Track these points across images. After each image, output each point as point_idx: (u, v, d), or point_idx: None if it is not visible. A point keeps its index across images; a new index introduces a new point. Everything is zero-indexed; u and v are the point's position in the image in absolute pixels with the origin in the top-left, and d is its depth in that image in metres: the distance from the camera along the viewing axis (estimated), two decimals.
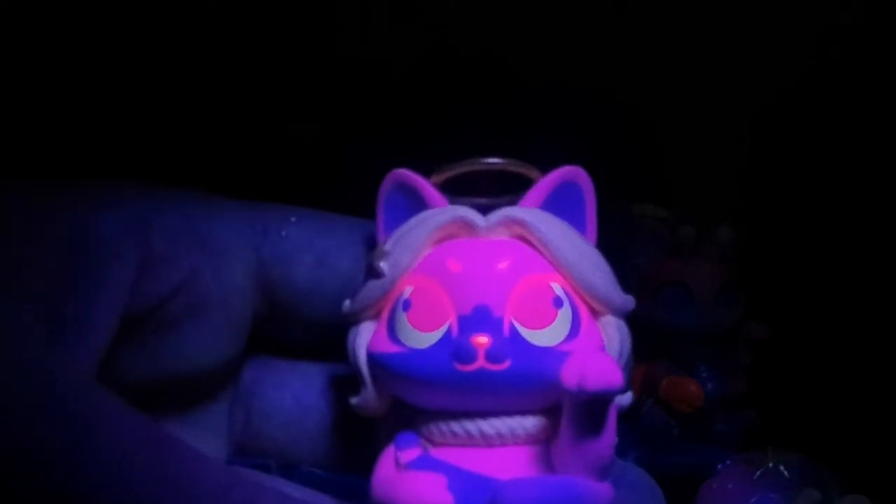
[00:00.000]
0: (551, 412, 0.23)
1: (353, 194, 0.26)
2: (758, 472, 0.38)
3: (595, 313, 0.25)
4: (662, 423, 0.46)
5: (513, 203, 0.25)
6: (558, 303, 0.24)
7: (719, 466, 0.41)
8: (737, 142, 0.50)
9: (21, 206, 0.23)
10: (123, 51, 0.40)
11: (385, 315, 0.25)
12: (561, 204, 0.26)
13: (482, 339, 0.23)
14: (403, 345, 0.24)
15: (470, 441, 0.24)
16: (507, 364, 0.23)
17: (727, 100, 0.48)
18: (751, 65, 0.48)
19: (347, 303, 0.25)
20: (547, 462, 0.23)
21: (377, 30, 0.45)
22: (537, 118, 0.47)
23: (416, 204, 0.26)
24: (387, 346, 0.24)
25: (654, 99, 0.49)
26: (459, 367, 0.23)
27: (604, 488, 0.23)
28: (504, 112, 0.46)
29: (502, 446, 0.24)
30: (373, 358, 0.24)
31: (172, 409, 0.26)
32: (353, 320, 0.25)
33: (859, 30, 0.47)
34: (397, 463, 0.24)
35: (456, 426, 0.24)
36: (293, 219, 0.26)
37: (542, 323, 0.23)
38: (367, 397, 0.25)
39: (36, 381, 0.20)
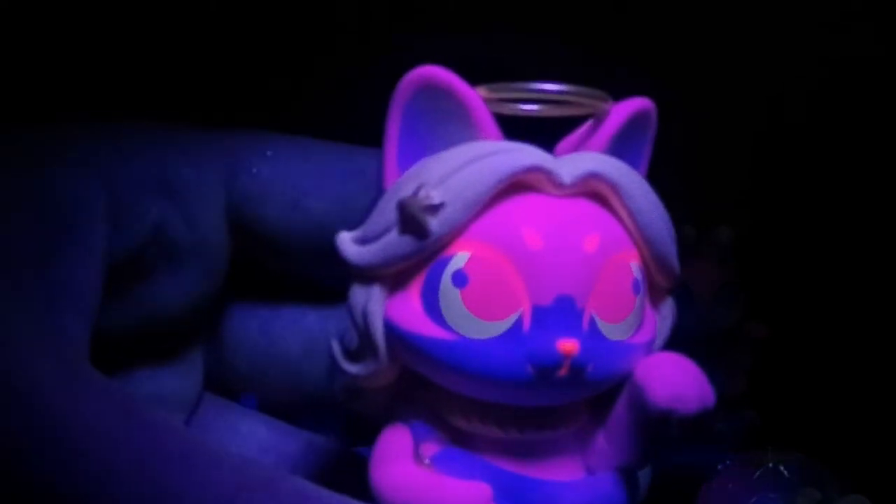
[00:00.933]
0: (592, 401, 0.21)
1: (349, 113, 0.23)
2: (758, 472, 0.38)
3: (654, 287, 0.22)
4: None
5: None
6: (636, 288, 0.21)
7: (719, 466, 0.41)
8: (737, 142, 0.50)
9: None
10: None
11: (419, 282, 0.19)
12: (625, 141, 0.22)
13: (569, 346, 0.19)
14: (454, 331, 0.19)
15: (508, 439, 0.20)
16: (588, 369, 0.19)
17: (727, 100, 0.48)
18: (751, 65, 0.48)
19: (355, 251, 0.20)
20: (578, 449, 0.21)
21: None
22: (539, 118, 0.47)
23: (456, 126, 0.20)
24: (429, 329, 0.19)
25: (654, 99, 0.49)
26: (535, 371, 0.19)
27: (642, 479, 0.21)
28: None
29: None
30: (406, 337, 0.19)
31: (151, 352, 0.25)
32: (362, 276, 0.20)
33: (859, 30, 0.47)
34: (418, 456, 0.20)
35: (498, 430, 0.20)
36: (269, 153, 0.24)
37: (621, 315, 0.20)
38: (374, 370, 0.20)
39: (24, 391, 0.19)
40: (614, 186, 0.20)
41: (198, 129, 0.24)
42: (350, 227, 0.20)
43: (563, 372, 0.19)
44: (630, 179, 0.21)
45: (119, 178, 0.22)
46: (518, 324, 0.19)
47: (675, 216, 0.48)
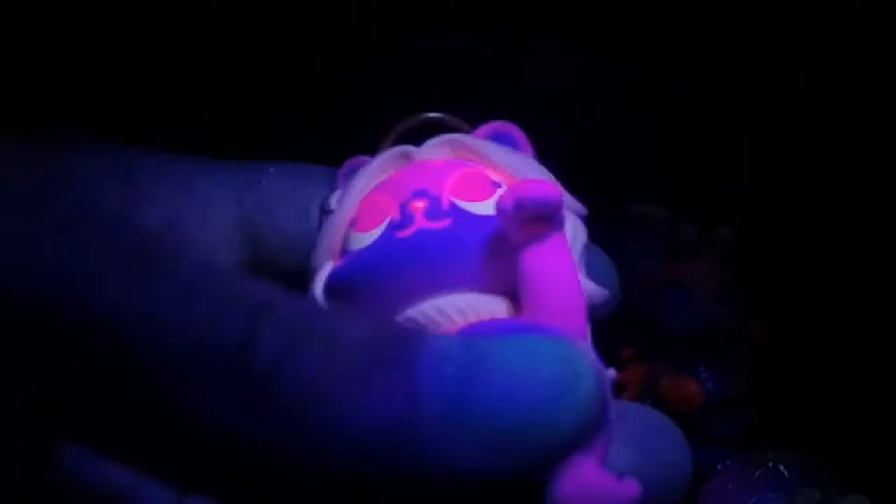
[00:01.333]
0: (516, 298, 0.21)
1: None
2: (758, 472, 0.38)
3: None
4: None
5: None
6: (497, 185, 0.23)
7: (719, 466, 0.41)
8: (737, 142, 0.50)
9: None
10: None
11: (340, 248, 0.23)
12: None
13: (419, 204, 0.22)
14: (350, 252, 0.23)
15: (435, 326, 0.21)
16: (447, 222, 0.21)
17: (727, 100, 0.48)
18: (751, 65, 0.48)
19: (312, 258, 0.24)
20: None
21: None
22: (539, 118, 0.47)
23: None
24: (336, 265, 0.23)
25: (655, 99, 0.49)
26: (400, 234, 0.21)
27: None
28: (504, 113, 0.46)
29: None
30: (328, 286, 0.23)
31: None
32: (314, 270, 0.23)
33: (860, 31, 0.47)
34: None
35: (414, 312, 0.21)
36: (271, 170, 0.26)
37: (481, 197, 0.22)
38: None
39: None
40: (461, 140, 0.24)
41: (205, 156, 0.26)
42: None
43: (419, 222, 0.22)
44: (482, 141, 0.24)
45: (135, 166, 0.24)
46: (390, 222, 0.22)
47: (675, 216, 0.48)
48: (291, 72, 0.44)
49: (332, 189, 0.25)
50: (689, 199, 0.50)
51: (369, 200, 0.23)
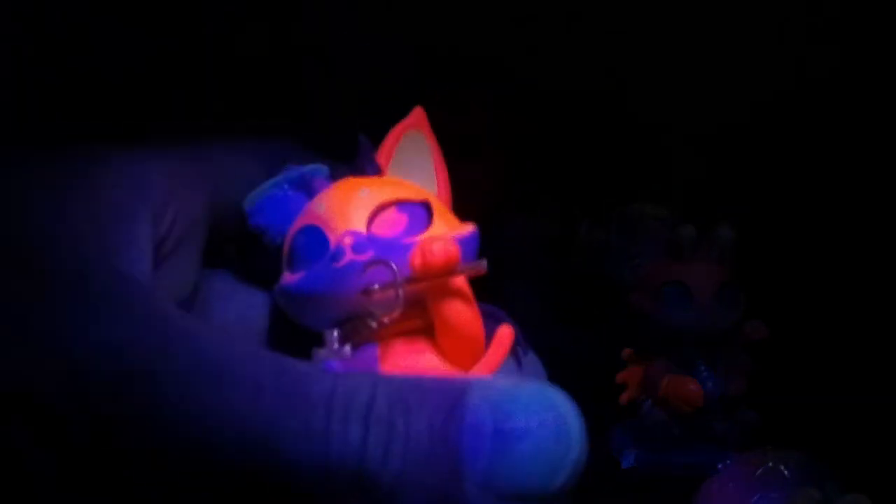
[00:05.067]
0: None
1: None
2: (758, 472, 0.38)
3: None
4: (662, 423, 0.46)
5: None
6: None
7: (719, 466, 0.41)
8: (737, 142, 0.50)
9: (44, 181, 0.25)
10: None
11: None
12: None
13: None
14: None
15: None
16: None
17: (727, 100, 0.48)
18: (751, 65, 0.48)
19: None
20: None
21: None
22: (540, 119, 0.47)
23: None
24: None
25: (655, 99, 0.49)
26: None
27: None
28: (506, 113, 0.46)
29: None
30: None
31: None
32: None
33: (858, 31, 0.47)
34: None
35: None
36: (224, 148, 0.30)
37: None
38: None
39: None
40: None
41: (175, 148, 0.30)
42: None
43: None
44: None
45: (152, 185, 0.27)
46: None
47: (675, 216, 0.48)
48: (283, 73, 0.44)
49: (277, 163, 0.30)
50: (689, 199, 0.50)
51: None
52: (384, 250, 0.27)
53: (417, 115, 0.30)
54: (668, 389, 0.46)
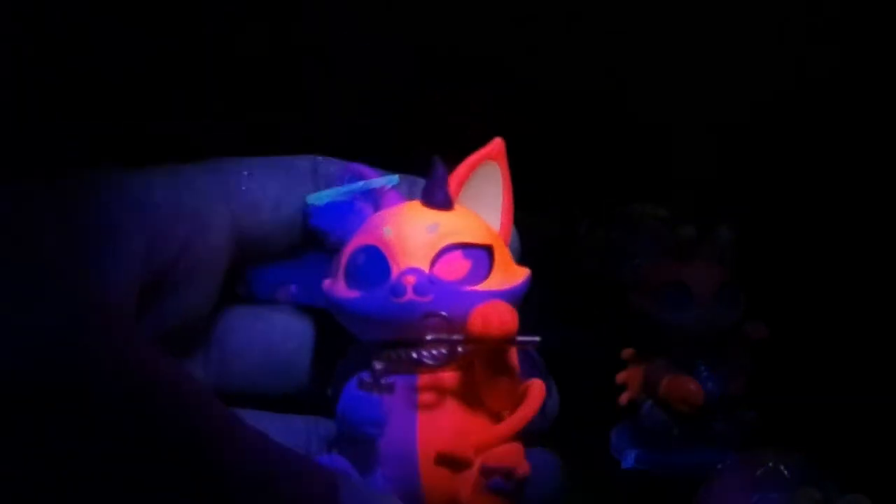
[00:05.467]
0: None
1: None
2: (758, 472, 0.38)
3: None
4: (662, 423, 0.46)
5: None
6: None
7: (719, 466, 0.41)
8: (737, 142, 0.50)
9: (32, 205, 0.25)
10: None
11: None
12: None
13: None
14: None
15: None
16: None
17: (727, 100, 0.48)
18: (751, 66, 0.48)
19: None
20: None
21: None
22: (540, 119, 0.47)
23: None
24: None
25: (655, 100, 0.49)
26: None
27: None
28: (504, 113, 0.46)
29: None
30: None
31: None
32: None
33: (857, 31, 0.47)
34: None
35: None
36: (246, 173, 0.30)
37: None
38: None
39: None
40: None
41: (190, 163, 0.29)
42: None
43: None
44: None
45: (151, 206, 0.27)
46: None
47: (675, 216, 0.48)
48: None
49: (302, 181, 0.30)
50: (689, 199, 0.50)
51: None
52: (444, 297, 0.28)
53: (497, 146, 0.30)
54: (668, 389, 0.46)
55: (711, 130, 0.50)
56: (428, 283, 0.28)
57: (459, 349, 0.28)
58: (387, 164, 0.31)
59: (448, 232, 0.29)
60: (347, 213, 0.30)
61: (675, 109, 0.49)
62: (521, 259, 0.31)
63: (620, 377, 0.48)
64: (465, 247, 0.29)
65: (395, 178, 0.31)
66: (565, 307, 0.51)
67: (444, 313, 0.28)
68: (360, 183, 0.30)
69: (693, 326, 0.46)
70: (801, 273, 0.49)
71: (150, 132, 0.41)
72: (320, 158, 0.31)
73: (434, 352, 0.28)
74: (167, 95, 0.42)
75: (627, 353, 0.48)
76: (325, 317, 0.30)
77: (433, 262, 0.29)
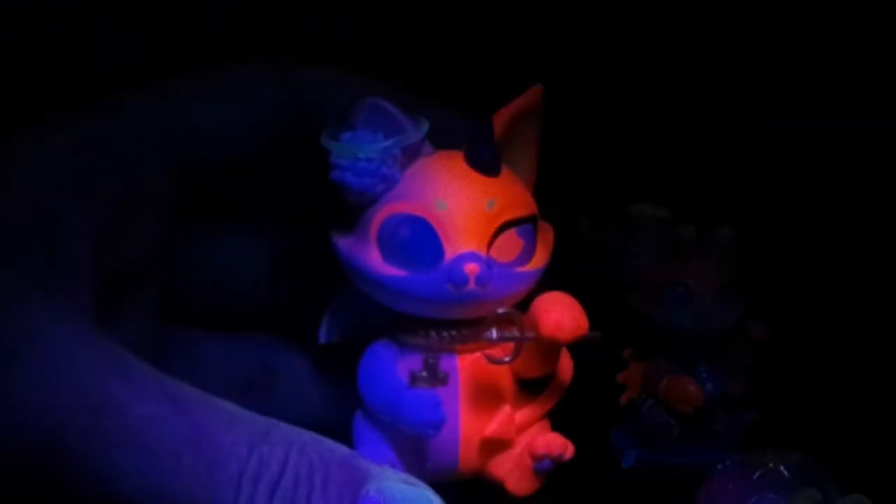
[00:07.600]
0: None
1: None
2: (758, 472, 0.38)
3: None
4: (662, 423, 0.46)
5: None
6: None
7: (719, 466, 0.41)
8: (736, 142, 0.50)
9: None
10: None
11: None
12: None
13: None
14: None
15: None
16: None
17: (727, 100, 0.48)
18: (750, 64, 0.48)
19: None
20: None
21: None
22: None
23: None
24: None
25: (655, 99, 0.49)
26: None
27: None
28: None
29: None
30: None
31: (124, 294, 0.29)
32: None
33: (856, 30, 0.47)
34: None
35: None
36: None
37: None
38: None
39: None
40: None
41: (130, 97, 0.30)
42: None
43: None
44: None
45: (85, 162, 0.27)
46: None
47: (675, 216, 0.48)
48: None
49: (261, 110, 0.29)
50: (689, 199, 0.50)
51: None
52: (501, 282, 0.27)
53: (536, 94, 0.29)
54: (668, 389, 0.46)
55: (711, 130, 0.50)
56: (487, 269, 0.27)
57: (520, 347, 0.27)
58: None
59: (504, 206, 0.27)
60: (378, 170, 0.27)
61: (675, 109, 0.49)
62: None
63: (620, 377, 0.48)
64: (518, 223, 0.28)
65: (426, 125, 0.28)
66: None
67: (518, 312, 0.27)
68: (392, 140, 0.27)
69: (693, 326, 0.46)
70: (801, 273, 0.49)
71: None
72: (304, 80, 0.30)
73: (498, 350, 0.28)
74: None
75: (627, 353, 0.48)
76: (281, 240, 0.29)
77: (490, 243, 0.27)
